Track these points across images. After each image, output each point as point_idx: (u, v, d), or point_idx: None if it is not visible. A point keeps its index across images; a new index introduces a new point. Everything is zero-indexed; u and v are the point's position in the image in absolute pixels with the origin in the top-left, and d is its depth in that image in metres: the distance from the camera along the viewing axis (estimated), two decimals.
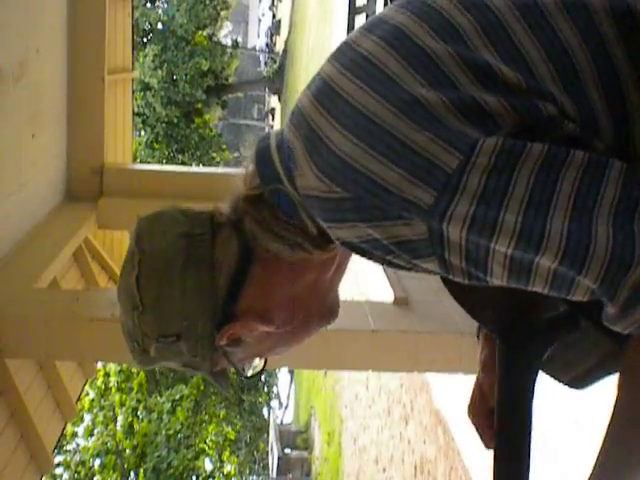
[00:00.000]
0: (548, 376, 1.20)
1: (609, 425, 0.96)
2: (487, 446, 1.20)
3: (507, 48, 0.89)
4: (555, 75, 0.88)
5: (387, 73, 0.90)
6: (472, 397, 1.27)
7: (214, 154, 25.28)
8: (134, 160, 8.96)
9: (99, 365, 11.24)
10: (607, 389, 0.97)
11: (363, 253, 0.97)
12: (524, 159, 0.82)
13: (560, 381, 1.22)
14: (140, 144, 22.26)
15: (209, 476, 18.66)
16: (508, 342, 1.15)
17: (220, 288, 1.06)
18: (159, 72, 22.61)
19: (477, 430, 1.24)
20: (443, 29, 0.91)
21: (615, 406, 0.94)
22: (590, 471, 1.00)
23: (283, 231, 1.03)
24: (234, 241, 1.06)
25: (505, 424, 1.14)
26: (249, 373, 1.24)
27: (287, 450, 21.74)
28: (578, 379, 1.20)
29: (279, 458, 21.15)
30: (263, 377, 22.67)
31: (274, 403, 26.75)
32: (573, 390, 1.22)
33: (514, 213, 0.81)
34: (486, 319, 1.20)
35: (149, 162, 21.75)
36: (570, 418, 3.53)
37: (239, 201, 1.06)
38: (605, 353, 1.10)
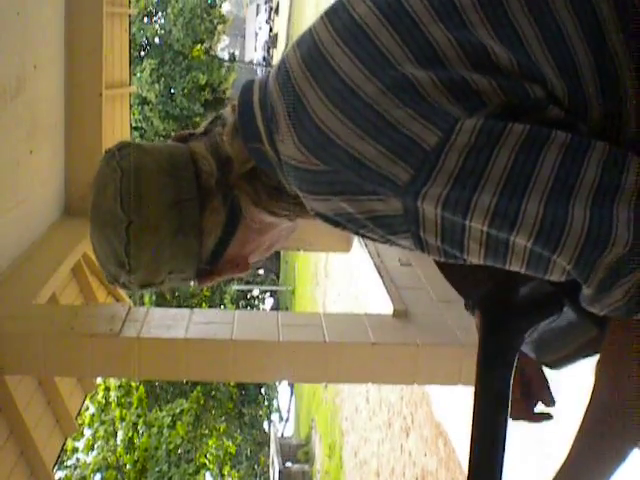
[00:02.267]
0: (528, 354, 1.20)
1: (585, 412, 0.97)
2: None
3: (503, 25, 0.88)
4: (549, 56, 0.88)
5: (378, 46, 0.89)
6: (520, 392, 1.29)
7: None
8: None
9: (99, 380, 11.22)
10: (587, 379, 0.98)
11: (337, 224, 0.98)
12: (504, 139, 0.82)
13: (540, 361, 1.22)
14: None
15: None
16: (491, 316, 1.14)
17: (206, 249, 1.10)
18: (156, 86, 22.66)
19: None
20: (440, 3, 0.90)
21: (591, 394, 0.96)
22: (565, 456, 1.01)
23: (275, 207, 1.08)
24: (222, 211, 1.08)
25: (482, 401, 1.12)
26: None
27: (288, 464, 21.67)
28: (559, 361, 1.20)
29: (280, 472, 21.07)
30: (263, 390, 22.62)
31: (274, 416, 26.69)
32: (551, 370, 1.23)
33: (490, 193, 0.81)
34: (470, 293, 1.20)
35: None
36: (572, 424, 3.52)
37: (230, 171, 1.06)
38: (589, 337, 1.10)
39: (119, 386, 16.71)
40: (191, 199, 1.05)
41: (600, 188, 0.79)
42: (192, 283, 1.17)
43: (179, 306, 20.31)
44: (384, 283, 4.11)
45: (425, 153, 0.83)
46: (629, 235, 0.78)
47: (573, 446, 1.00)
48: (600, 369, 0.94)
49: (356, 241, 4.96)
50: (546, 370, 1.27)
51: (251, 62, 46.92)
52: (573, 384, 1.24)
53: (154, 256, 1.07)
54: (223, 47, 38.33)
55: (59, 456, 4.33)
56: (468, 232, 0.84)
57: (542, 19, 0.88)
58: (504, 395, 1.09)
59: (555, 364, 1.21)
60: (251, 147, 1.03)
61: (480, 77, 0.85)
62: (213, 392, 19.39)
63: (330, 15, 0.99)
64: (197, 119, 24.30)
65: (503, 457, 1.07)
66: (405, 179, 0.84)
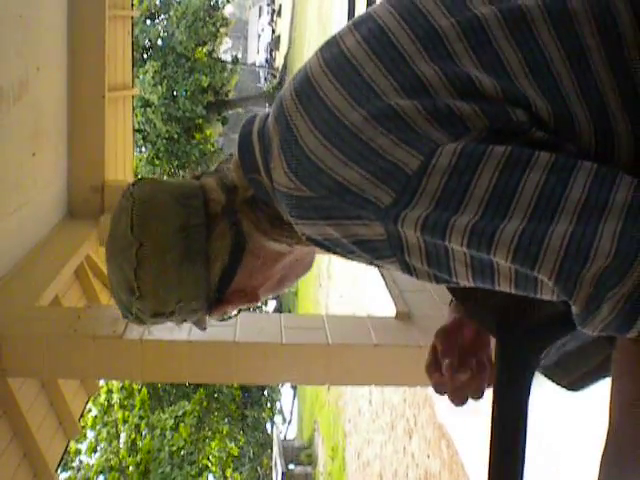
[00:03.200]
0: (547, 379, 1.20)
1: (605, 446, 0.95)
2: (453, 400, 1.24)
3: (487, 53, 0.90)
4: (532, 80, 0.88)
5: (364, 77, 0.92)
6: (429, 360, 1.31)
7: None
8: (135, 177, 8.98)
9: (101, 382, 11.22)
10: (605, 393, 0.96)
11: (327, 249, 1.01)
12: (486, 161, 0.82)
13: (559, 384, 1.22)
14: (141, 161, 22.29)
15: None
16: (506, 340, 1.14)
17: (214, 276, 1.12)
18: (159, 88, 22.64)
19: (440, 387, 1.27)
20: (425, 34, 0.93)
21: (609, 418, 0.93)
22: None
23: (276, 234, 1.10)
24: (228, 236, 1.11)
25: (501, 422, 1.13)
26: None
27: (291, 466, 21.65)
28: (577, 382, 1.20)
29: (283, 474, 21.06)
30: (266, 392, 22.61)
31: (277, 419, 26.67)
32: (570, 393, 1.22)
33: (471, 213, 0.81)
34: (484, 317, 1.21)
35: None
36: (570, 423, 3.52)
37: (235, 197, 1.10)
38: (604, 356, 1.10)
39: (121, 388, 16.72)
40: (199, 225, 1.09)
41: (586, 206, 0.78)
42: (203, 313, 1.20)
43: None
44: (387, 285, 4.11)
45: (407, 177, 0.84)
46: (612, 247, 0.76)
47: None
48: (611, 390, 0.91)
49: None
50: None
51: (254, 64, 46.95)
52: (594, 399, 1.23)
53: (163, 280, 1.10)
54: (226, 49, 38.37)
55: (62, 458, 4.34)
56: (452, 254, 0.85)
57: (526, 45, 0.89)
58: (522, 417, 1.10)
59: (573, 386, 1.21)
60: (250, 178, 1.07)
61: (463, 104, 0.87)
62: (216, 394, 19.37)
63: (323, 49, 1.03)
64: (200, 121, 24.32)
65: (522, 477, 1.08)
66: (387, 202, 0.85)
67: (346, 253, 0.98)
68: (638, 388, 0.86)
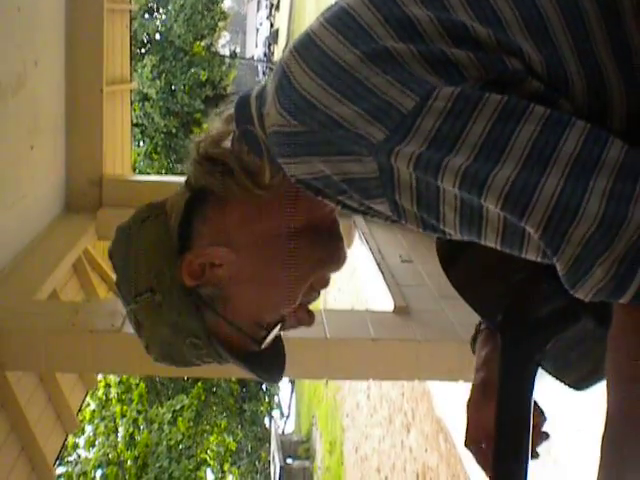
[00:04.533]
0: (552, 378, 1.19)
1: (604, 427, 0.95)
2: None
3: (483, 8, 0.90)
4: (527, 34, 0.89)
5: (361, 24, 0.92)
6: (472, 400, 1.26)
7: None
8: (133, 171, 8.97)
9: (100, 376, 11.23)
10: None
11: (317, 192, 0.99)
12: (482, 107, 0.82)
13: (564, 382, 1.21)
14: (139, 155, 22.27)
15: None
16: (508, 335, 1.14)
17: (172, 233, 1.10)
18: (157, 82, 22.62)
19: (478, 455, 1.23)
20: None
21: (606, 409, 0.92)
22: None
23: (219, 171, 1.07)
24: (186, 192, 1.10)
25: (504, 420, 1.13)
26: (265, 338, 1.14)
27: (289, 460, 21.69)
28: (582, 380, 1.20)
29: (281, 468, 21.09)
30: (264, 386, 22.63)
31: (275, 413, 26.70)
32: (576, 392, 1.21)
33: (464, 156, 0.81)
34: (486, 312, 1.20)
35: (148, 173, 21.75)
36: (572, 424, 3.52)
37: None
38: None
39: (119, 382, 16.74)
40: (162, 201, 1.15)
41: (578, 160, 0.79)
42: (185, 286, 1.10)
43: None
44: (385, 279, 4.11)
45: (402, 115, 0.85)
46: (599, 209, 0.76)
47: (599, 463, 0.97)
48: (607, 382, 0.90)
49: (357, 238, 4.96)
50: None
51: (252, 58, 46.89)
52: (596, 400, 1.23)
53: (128, 250, 1.13)
54: (224, 43, 38.34)
55: (60, 452, 4.35)
56: (443, 196, 0.85)
57: (521, 2, 0.90)
58: (526, 413, 1.10)
59: (578, 384, 1.20)
60: (243, 129, 1.06)
61: (459, 51, 0.87)
62: (214, 388, 19.39)
63: (324, 12, 1.03)
64: (198, 115, 24.31)
65: (526, 475, 1.08)
66: (380, 138, 0.85)
67: (336, 195, 0.97)
68: (634, 363, 0.85)
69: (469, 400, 1.26)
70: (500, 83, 0.86)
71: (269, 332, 1.14)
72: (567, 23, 0.90)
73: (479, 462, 1.25)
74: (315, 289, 1.16)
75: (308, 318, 1.19)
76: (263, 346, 1.14)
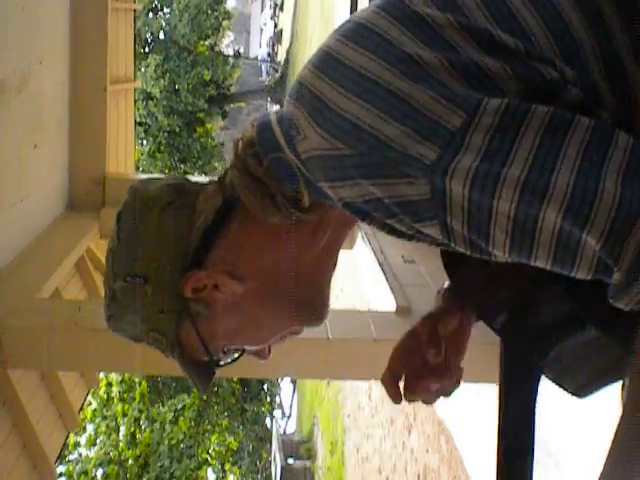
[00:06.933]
0: (554, 384, 1.19)
1: (614, 435, 0.94)
2: (395, 400, 1.19)
3: (506, 19, 0.89)
4: (555, 46, 0.88)
5: (386, 37, 0.90)
6: (404, 344, 1.25)
7: (216, 163, 25.28)
8: (136, 170, 8.97)
9: (101, 375, 11.24)
10: (612, 398, 0.95)
11: (364, 216, 0.97)
12: (529, 120, 0.82)
13: (566, 389, 1.21)
14: (142, 154, 22.29)
15: None
16: (512, 341, 1.14)
17: (193, 236, 1.08)
18: (161, 82, 22.66)
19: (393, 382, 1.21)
20: (445, 2, 0.91)
21: (621, 416, 0.91)
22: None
23: (260, 192, 1.05)
24: (218, 195, 1.08)
25: (509, 426, 1.13)
26: (221, 361, 1.19)
27: (290, 460, 21.68)
28: (584, 387, 1.19)
29: (282, 468, 21.08)
30: (266, 387, 22.64)
31: (277, 413, 26.70)
32: (577, 399, 1.21)
33: (519, 168, 0.81)
34: (491, 318, 1.20)
35: (151, 172, 21.79)
36: (574, 428, 3.52)
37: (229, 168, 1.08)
38: (612, 359, 1.09)
39: (121, 381, 16.75)
40: (193, 188, 1.11)
41: (630, 166, 0.79)
42: (179, 293, 1.10)
43: None
44: (387, 280, 4.11)
45: (451, 133, 0.83)
46: None
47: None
48: (631, 388, 0.89)
49: (360, 238, 4.96)
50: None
51: (256, 58, 46.91)
52: (599, 404, 1.23)
53: (140, 226, 1.09)
54: (228, 43, 38.28)
55: (61, 450, 4.35)
56: (495, 218, 0.83)
57: (545, 11, 0.89)
58: (530, 418, 1.09)
59: (580, 391, 1.19)
60: (272, 157, 1.02)
61: (492, 60, 0.86)
62: (215, 388, 19.40)
63: (338, 29, 1.00)
64: (201, 114, 24.32)
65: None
66: (432, 157, 0.84)
67: (385, 218, 0.94)
68: None
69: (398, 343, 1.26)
70: (540, 93, 0.85)
71: (227, 357, 1.20)
72: (593, 32, 0.89)
73: (390, 396, 1.21)
74: (286, 336, 1.22)
75: (267, 355, 1.25)
76: (216, 368, 1.18)
